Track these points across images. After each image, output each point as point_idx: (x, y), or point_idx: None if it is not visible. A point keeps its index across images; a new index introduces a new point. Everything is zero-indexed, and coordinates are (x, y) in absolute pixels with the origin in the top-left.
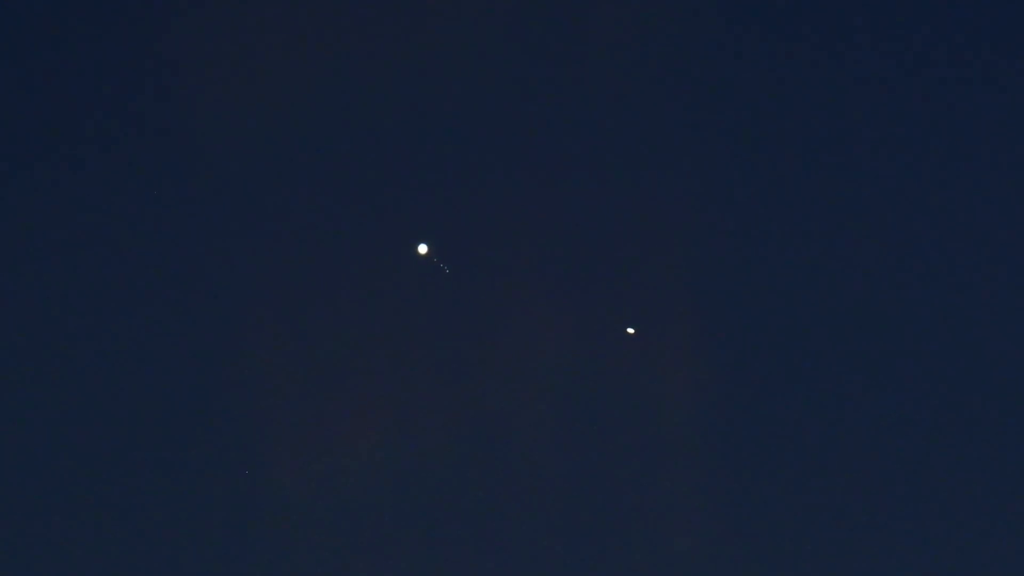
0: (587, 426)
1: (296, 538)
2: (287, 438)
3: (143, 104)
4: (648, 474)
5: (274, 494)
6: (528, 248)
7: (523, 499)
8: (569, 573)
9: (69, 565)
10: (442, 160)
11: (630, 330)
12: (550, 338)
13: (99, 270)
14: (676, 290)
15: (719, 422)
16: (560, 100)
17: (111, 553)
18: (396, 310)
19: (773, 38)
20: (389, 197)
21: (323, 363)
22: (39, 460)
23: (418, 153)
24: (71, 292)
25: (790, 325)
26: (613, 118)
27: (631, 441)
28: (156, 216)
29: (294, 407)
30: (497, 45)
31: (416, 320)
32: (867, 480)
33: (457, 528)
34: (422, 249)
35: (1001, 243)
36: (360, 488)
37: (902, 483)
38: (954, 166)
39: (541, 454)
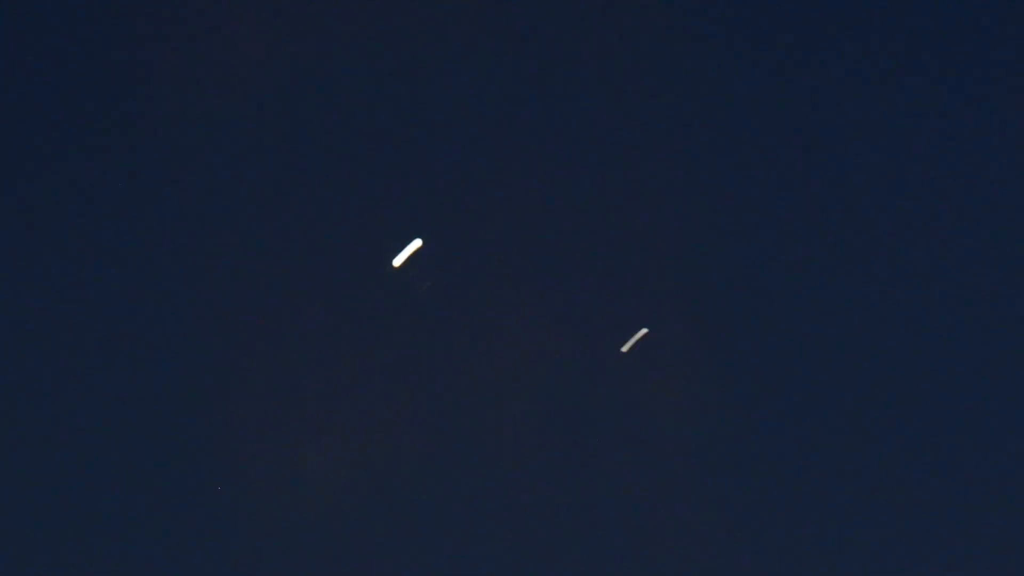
0: (580, 433)
1: (278, 543)
2: (270, 442)
3: (128, 102)
4: (644, 480)
5: (256, 498)
6: (521, 250)
7: (514, 505)
8: None
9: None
10: (432, 159)
11: (635, 338)
12: (543, 342)
13: (81, 270)
14: (674, 294)
15: (719, 430)
16: (554, 98)
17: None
18: (383, 313)
19: (776, 38)
20: (377, 197)
21: (307, 367)
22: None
23: (407, 152)
24: (50, 292)
25: (792, 330)
26: (610, 117)
27: (626, 448)
28: (137, 214)
29: (279, 411)
30: (491, 42)
31: (406, 322)
32: (874, 488)
33: (448, 535)
34: (411, 248)
35: (1005, 245)
36: (345, 495)
37: (908, 489)
38: (960, 167)
39: (533, 459)
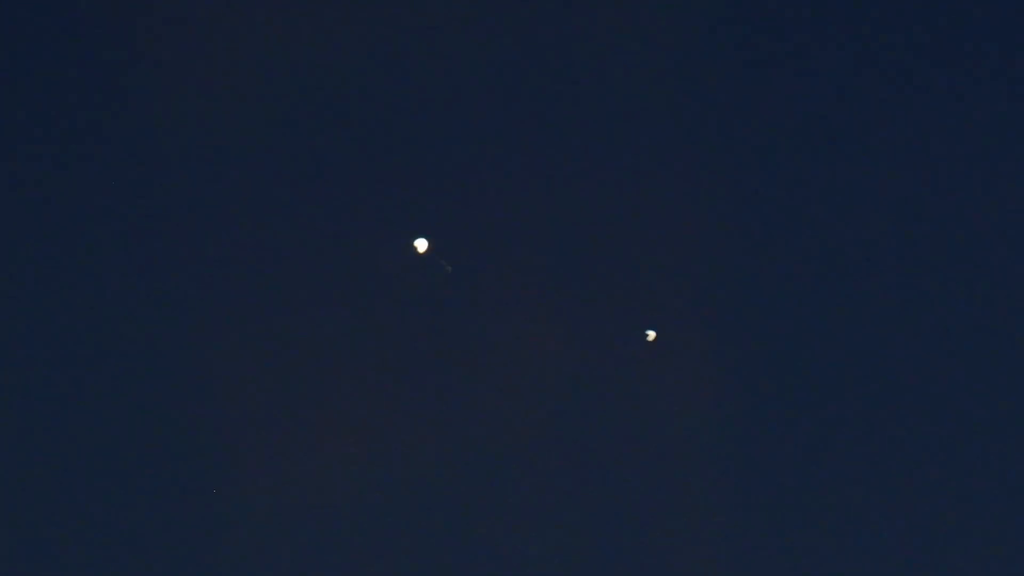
0: (588, 433)
1: (284, 544)
2: (275, 443)
3: (131, 101)
4: (651, 480)
5: (262, 499)
6: (530, 249)
7: (521, 505)
8: None
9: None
10: (444, 159)
11: (650, 335)
12: (551, 342)
13: (84, 270)
14: (681, 294)
15: (726, 430)
16: (565, 98)
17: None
18: (393, 311)
19: (780, 39)
20: (388, 195)
21: (317, 367)
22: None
23: (418, 151)
24: (51, 292)
25: (798, 330)
26: (620, 117)
27: (633, 448)
28: (140, 214)
29: (286, 411)
30: (500, 43)
31: (415, 321)
32: (880, 488)
33: (454, 539)
34: (421, 247)
35: (1007, 247)
36: (352, 496)
37: (912, 489)
38: (962, 167)
39: (540, 460)
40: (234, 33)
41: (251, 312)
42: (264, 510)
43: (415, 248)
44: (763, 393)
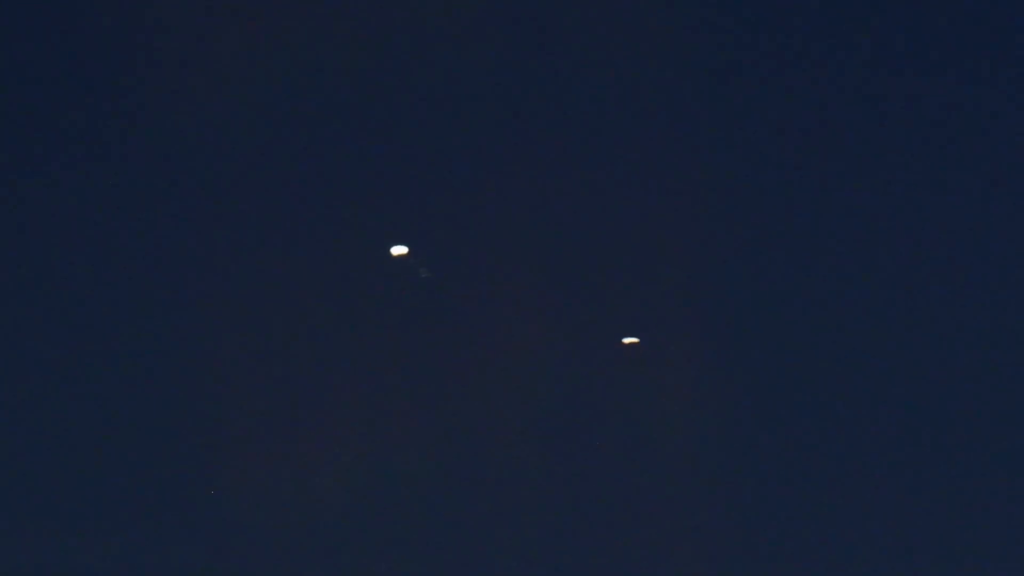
0: (579, 435)
1: (278, 544)
2: (269, 444)
3: (126, 102)
4: (643, 482)
5: (256, 499)
6: (519, 252)
7: (511, 508)
8: None
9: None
10: (432, 161)
11: (628, 340)
12: (540, 345)
13: (81, 269)
14: (673, 297)
15: (718, 433)
16: (555, 100)
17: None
18: (382, 315)
19: (779, 40)
20: (377, 199)
21: (308, 370)
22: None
23: (407, 153)
24: (51, 293)
25: (795, 333)
26: (610, 119)
27: (627, 449)
28: (135, 217)
29: (278, 414)
30: (493, 44)
31: (404, 326)
32: (875, 491)
33: (447, 535)
34: (399, 250)
35: (1006, 249)
36: (343, 495)
37: (906, 492)
38: (961, 169)
39: (530, 462)
40: (218, 35)
41: (245, 311)
42: (259, 510)
43: (392, 253)
44: (758, 394)
